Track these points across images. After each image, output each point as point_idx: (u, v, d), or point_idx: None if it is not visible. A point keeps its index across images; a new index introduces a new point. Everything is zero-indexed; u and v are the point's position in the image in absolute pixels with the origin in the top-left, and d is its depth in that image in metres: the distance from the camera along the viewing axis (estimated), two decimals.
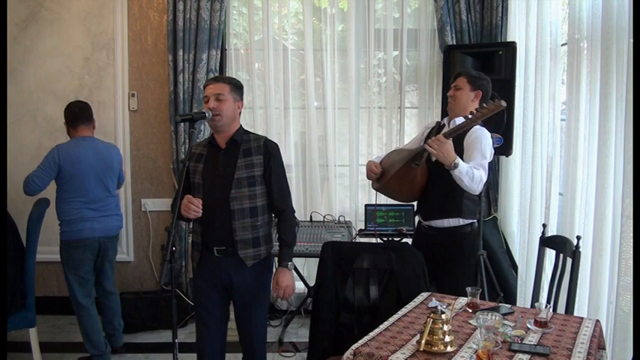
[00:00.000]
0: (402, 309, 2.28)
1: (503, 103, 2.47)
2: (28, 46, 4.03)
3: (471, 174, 2.56)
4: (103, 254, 3.34)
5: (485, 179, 2.63)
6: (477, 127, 2.72)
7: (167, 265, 2.12)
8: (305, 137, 4.13)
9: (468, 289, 2.29)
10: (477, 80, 2.81)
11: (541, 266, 2.77)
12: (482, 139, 2.69)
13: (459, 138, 2.71)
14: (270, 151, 2.48)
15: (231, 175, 2.42)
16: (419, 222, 3.00)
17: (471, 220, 2.83)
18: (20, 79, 4.04)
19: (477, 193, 2.64)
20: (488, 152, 2.70)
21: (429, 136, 2.92)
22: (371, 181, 3.03)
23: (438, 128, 2.92)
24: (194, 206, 2.31)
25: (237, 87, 2.49)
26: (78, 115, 3.29)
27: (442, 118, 3.13)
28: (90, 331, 3.29)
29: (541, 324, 2.04)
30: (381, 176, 2.93)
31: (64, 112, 3.32)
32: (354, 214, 4.09)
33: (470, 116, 2.53)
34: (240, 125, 2.53)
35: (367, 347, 1.91)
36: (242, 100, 2.53)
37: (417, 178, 2.80)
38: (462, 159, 2.60)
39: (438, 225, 2.84)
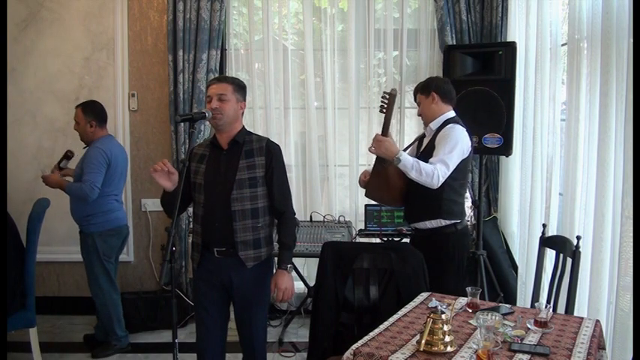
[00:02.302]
0: (402, 309, 2.28)
1: (394, 92, 2.71)
2: (28, 46, 4.03)
3: (417, 167, 2.62)
4: (122, 243, 3.60)
5: (445, 174, 2.65)
6: (450, 125, 2.78)
7: (167, 265, 2.12)
8: (305, 137, 4.12)
9: (468, 289, 2.29)
10: (426, 87, 2.90)
11: (541, 266, 2.77)
12: (450, 135, 2.73)
13: (432, 139, 2.81)
14: (272, 152, 2.48)
15: (233, 176, 2.42)
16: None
17: (454, 221, 2.83)
18: (20, 79, 4.03)
19: (434, 187, 2.65)
20: (457, 148, 2.70)
21: (419, 145, 2.99)
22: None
23: (420, 138, 3.02)
24: (160, 164, 2.35)
25: (240, 87, 2.49)
26: (106, 115, 3.50)
27: None
28: (120, 314, 3.54)
29: (541, 324, 2.04)
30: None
31: (92, 110, 3.43)
32: (354, 214, 4.09)
33: (384, 111, 2.74)
34: (243, 126, 2.53)
35: (367, 347, 1.91)
36: (245, 100, 2.53)
37: (390, 180, 2.84)
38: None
39: (422, 227, 2.87)
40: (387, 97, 2.72)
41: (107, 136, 3.48)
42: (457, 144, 2.70)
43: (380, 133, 2.77)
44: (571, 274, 2.49)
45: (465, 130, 2.78)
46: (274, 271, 2.55)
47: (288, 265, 2.45)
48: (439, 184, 2.65)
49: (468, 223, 3.77)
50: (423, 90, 2.90)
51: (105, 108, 3.50)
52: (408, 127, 4.12)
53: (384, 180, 2.86)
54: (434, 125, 2.86)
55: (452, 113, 2.88)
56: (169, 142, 4.02)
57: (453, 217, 2.82)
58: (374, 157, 2.89)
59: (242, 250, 2.42)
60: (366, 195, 3.03)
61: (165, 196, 2.48)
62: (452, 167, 2.68)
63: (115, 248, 3.53)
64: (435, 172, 2.62)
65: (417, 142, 3.07)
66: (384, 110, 2.75)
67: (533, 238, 3.20)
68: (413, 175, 2.64)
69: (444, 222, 2.81)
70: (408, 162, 2.63)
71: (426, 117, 2.91)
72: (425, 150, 2.87)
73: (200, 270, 2.53)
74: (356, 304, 2.64)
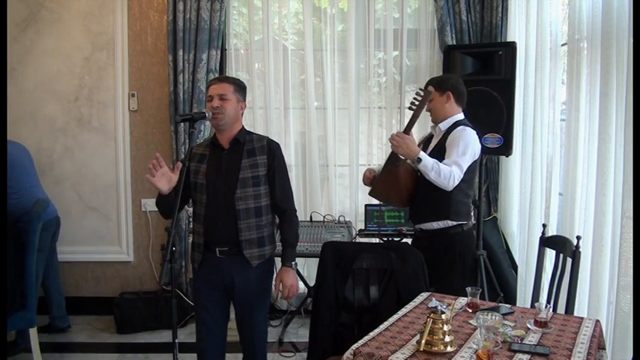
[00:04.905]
0: (402, 309, 2.28)
1: (430, 89, 2.71)
2: (28, 46, 4.03)
3: (437, 169, 2.60)
4: (54, 234, 3.63)
5: (459, 176, 2.64)
6: (460, 127, 2.77)
7: (167, 265, 2.12)
8: (305, 137, 4.12)
9: (468, 289, 2.29)
10: (442, 84, 2.84)
11: (541, 266, 2.77)
12: (462, 137, 2.71)
13: (442, 139, 2.78)
14: (273, 150, 2.49)
15: (236, 175, 2.42)
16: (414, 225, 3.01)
17: (460, 222, 2.81)
18: (20, 79, 4.03)
19: (449, 189, 2.64)
20: (469, 150, 2.70)
21: (425, 145, 2.94)
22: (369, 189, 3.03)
23: (428, 138, 2.96)
24: (153, 162, 2.36)
25: (240, 88, 2.50)
26: None
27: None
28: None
29: (541, 324, 2.04)
30: (372, 181, 2.94)
31: None
32: (354, 214, 4.09)
33: (413, 107, 2.71)
34: (243, 126, 2.54)
35: (367, 347, 1.91)
36: (245, 101, 2.54)
37: (401, 179, 2.81)
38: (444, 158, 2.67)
39: (428, 227, 2.85)
40: (422, 93, 2.69)
41: None
42: (468, 146, 2.70)
43: (402, 130, 2.72)
44: (571, 274, 2.49)
45: (475, 132, 2.78)
46: (275, 270, 2.55)
47: (293, 262, 2.47)
48: (454, 186, 2.64)
49: None
50: (439, 86, 2.83)
51: None
52: None
53: (393, 179, 2.83)
54: (443, 126, 2.83)
55: (462, 115, 2.86)
56: (169, 142, 4.02)
57: (459, 218, 2.81)
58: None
59: (247, 249, 2.43)
60: (371, 194, 2.97)
61: (162, 199, 2.44)
62: (465, 169, 2.67)
63: (48, 241, 3.51)
64: (452, 174, 2.61)
65: (422, 143, 3.02)
66: (414, 107, 2.71)
67: (533, 238, 3.19)
68: (432, 176, 2.60)
69: (450, 223, 2.80)
70: (429, 163, 2.60)
71: (436, 114, 2.85)
72: (434, 150, 2.83)
73: (201, 270, 2.53)
74: (356, 304, 2.64)
